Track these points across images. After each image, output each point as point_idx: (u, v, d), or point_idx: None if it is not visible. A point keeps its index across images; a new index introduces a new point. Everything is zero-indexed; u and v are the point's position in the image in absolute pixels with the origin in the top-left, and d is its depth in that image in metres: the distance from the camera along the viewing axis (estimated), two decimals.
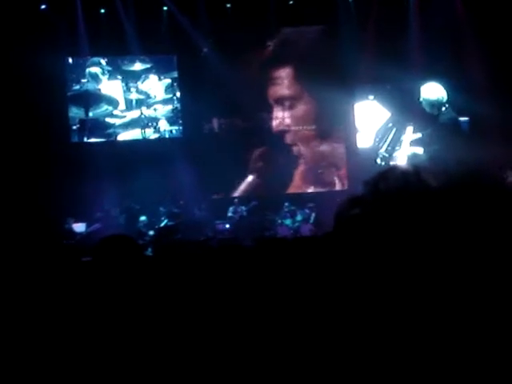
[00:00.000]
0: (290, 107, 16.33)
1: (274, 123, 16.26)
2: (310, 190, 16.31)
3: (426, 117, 13.78)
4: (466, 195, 0.86)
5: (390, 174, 0.94)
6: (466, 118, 14.86)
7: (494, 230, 0.83)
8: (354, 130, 16.22)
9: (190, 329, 2.48)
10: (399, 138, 15.19)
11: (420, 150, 13.99)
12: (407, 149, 14.86)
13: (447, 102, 13.36)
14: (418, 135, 14.41)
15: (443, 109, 13.32)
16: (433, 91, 13.53)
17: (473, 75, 14.78)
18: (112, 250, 2.63)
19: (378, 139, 15.69)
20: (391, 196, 0.89)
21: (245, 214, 14.77)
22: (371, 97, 16.07)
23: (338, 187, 16.29)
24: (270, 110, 16.26)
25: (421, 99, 13.55)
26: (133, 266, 2.61)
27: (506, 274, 0.82)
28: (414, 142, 14.65)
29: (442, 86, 13.64)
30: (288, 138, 16.07)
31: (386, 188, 0.91)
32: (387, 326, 0.85)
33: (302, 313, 2.22)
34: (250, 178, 15.77)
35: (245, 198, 15.11)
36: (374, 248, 0.87)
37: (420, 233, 0.84)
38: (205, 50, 15.80)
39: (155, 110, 15.83)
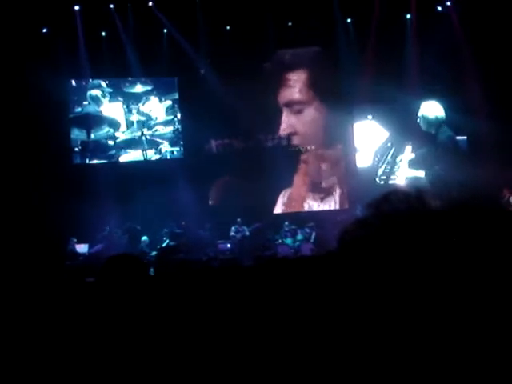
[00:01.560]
0: (289, 128, 16.35)
1: (273, 143, 16.27)
2: (310, 209, 16.28)
3: (424, 136, 13.84)
4: (468, 218, 0.88)
5: (392, 196, 0.96)
6: (463, 137, 14.92)
7: (497, 253, 0.87)
8: (354, 150, 16.24)
9: (191, 347, 2.51)
10: (398, 157, 15.24)
11: (421, 174, 14.02)
12: (406, 169, 14.91)
13: (445, 121, 13.44)
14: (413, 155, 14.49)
15: (440, 128, 13.41)
16: (432, 109, 13.63)
17: (470, 95, 14.85)
18: (119, 269, 2.66)
19: (377, 159, 15.74)
20: (394, 218, 0.92)
21: (247, 234, 14.75)
22: (370, 116, 16.12)
23: (338, 206, 16.25)
24: (268, 130, 16.29)
25: (419, 115, 13.63)
26: (139, 285, 2.65)
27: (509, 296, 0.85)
28: (412, 163, 14.69)
29: (440, 105, 13.73)
30: (287, 158, 16.04)
31: (389, 210, 0.94)
32: (391, 348, 0.87)
33: (303, 332, 2.24)
34: (250, 197, 15.73)
35: (248, 219, 15.01)
36: (378, 270, 0.90)
37: (423, 254, 0.88)
38: (202, 71, 15.86)
39: (156, 131, 15.90)
